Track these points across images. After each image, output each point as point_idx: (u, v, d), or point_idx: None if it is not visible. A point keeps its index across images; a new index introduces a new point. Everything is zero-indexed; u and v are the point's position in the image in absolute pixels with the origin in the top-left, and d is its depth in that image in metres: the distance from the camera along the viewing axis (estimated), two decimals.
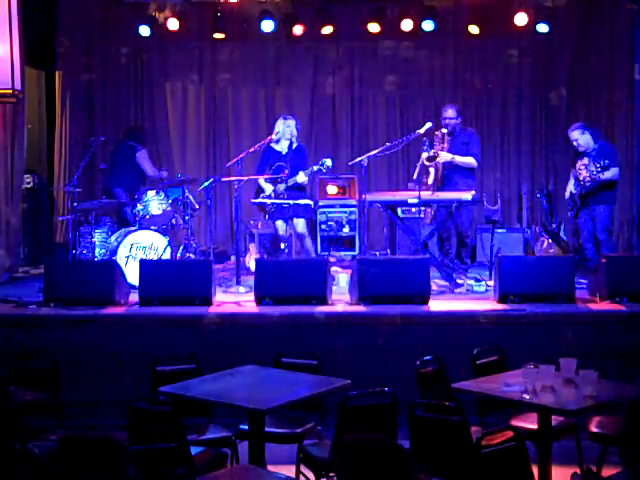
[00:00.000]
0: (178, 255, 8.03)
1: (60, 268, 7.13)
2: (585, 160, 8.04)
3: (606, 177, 7.79)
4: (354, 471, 2.26)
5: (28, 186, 9.83)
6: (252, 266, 7.72)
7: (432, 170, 8.01)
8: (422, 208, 8.36)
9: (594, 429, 4.64)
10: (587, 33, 10.58)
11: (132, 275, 7.24)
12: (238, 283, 7.50)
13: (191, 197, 8.44)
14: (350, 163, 8.65)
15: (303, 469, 4.57)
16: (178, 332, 6.30)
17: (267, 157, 8.28)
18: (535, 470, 3.95)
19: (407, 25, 10.34)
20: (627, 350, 6.06)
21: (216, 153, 11.10)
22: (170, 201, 8.35)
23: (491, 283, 7.22)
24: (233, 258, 8.59)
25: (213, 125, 11.11)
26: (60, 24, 10.51)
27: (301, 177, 8.02)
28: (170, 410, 4.07)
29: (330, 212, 10.05)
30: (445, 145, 8.10)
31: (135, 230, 8.01)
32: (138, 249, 7.85)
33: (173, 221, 8.33)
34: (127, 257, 7.79)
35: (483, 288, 7.29)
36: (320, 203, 10.07)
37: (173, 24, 10.48)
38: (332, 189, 10.19)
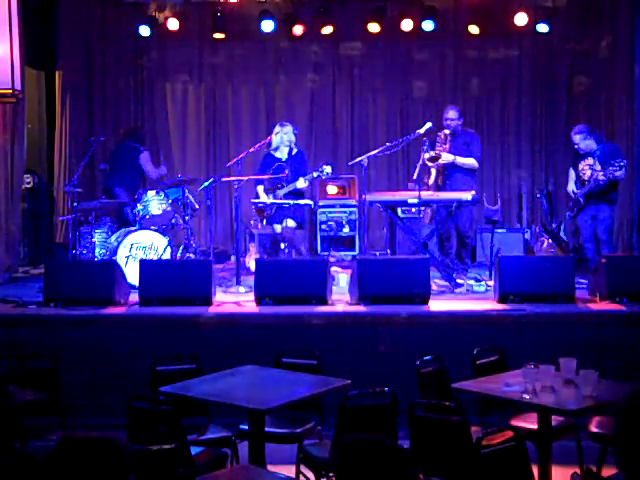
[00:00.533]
0: (178, 255, 8.04)
1: (60, 268, 7.13)
2: (589, 160, 8.02)
3: (618, 175, 7.76)
4: (354, 471, 2.26)
5: (28, 186, 9.83)
6: (252, 266, 7.72)
7: (433, 170, 8.01)
8: (422, 208, 8.37)
9: (594, 429, 4.64)
10: (587, 33, 10.59)
11: (132, 275, 7.24)
12: (238, 283, 7.50)
13: (191, 197, 8.44)
14: (350, 163, 8.65)
15: (303, 469, 4.57)
16: (178, 332, 6.30)
17: (267, 164, 8.25)
18: (535, 470, 3.96)
19: (407, 25, 10.35)
20: (627, 350, 6.06)
21: (216, 153, 11.11)
22: (170, 201, 8.35)
23: (491, 283, 7.22)
24: (233, 258, 8.59)
25: (213, 125, 11.11)
26: (60, 24, 10.51)
27: (301, 183, 7.99)
28: (170, 410, 4.07)
29: (330, 212, 10.05)
30: (447, 146, 8.10)
31: (135, 230, 8.01)
32: (138, 249, 7.85)
33: (173, 221, 8.33)
34: (127, 257, 7.79)
35: (483, 288, 7.29)
36: (320, 203, 10.07)
37: (173, 24, 10.49)
38: (332, 189, 10.19)
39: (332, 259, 8.70)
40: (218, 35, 10.60)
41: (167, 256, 7.79)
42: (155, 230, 7.99)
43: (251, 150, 8.18)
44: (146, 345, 6.15)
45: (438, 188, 7.98)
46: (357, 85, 11.05)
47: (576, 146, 8.14)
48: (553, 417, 4.40)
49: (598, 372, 4.20)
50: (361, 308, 6.51)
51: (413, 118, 10.73)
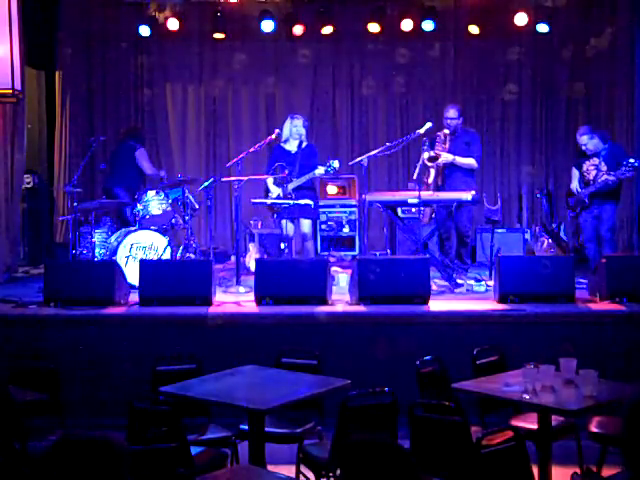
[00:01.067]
0: (178, 255, 8.03)
1: (60, 268, 7.12)
2: (595, 160, 7.99)
3: (629, 176, 7.73)
4: (357, 472, 2.26)
5: (28, 186, 9.83)
6: (252, 266, 7.72)
7: (432, 170, 8.01)
8: (421, 208, 8.36)
9: (594, 429, 4.64)
10: (587, 33, 10.59)
11: (132, 275, 7.24)
12: (238, 283, 7.49)
13: (191, 197, 8.44)
14: (350, 163, 8.65)
15: (303, 469, 4.57)
16: (178, 332, 6.30)
17: (276, 156, 8.20)
18: (535, 470, 3.95)
19: (407, 25, 10.35)
20: (627, 350, 6.06)
21: (216, 153, 11.11)
22: (170, 201, 8.35)
23: (491, 283, 7.22)
24: (233, 258, 8.59)
25: (213, 125, 11.12)
26: (60, 24, 10.53)
27: (320, 170, 7.94)
28: (170, 410, 4.07)
29: (330, 212, 10.05)
30: (447, 145, 8.10)
31: (135, 230, 8.01)
32: (138, 249, 7.85)
33: (173, 221, 8.32)
34: (127, 257, 7.79)
35: (483, 288, 7.29)
36: (320, 203, 10.05)
37: (173, 24, 10.50)
38: (332, 189, 10.19)
39: (332, 259, 8.71)
40: (218, 35, 10.60)
41: (167, 256, 7.79)
42: (155, 230, 7.99)
43: (251, 150, 8.17)
44: (146, 345, 6.15)
45: (437, 188, 7.98)
46: (357, 85, 11.06)
47: (583, 147, 8.09)
48: (553, 417, 4.40)
49: (598, 372, 4.19)
50: (361, 308, 6.50)
51: (413, 118, 10.73)
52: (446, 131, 8.12)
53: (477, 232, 9.60)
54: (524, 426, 4.53)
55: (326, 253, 9.63)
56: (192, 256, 8.12)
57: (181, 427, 4.01)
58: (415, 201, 7.45)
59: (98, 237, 8.49)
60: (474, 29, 10.37)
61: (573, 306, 6.49)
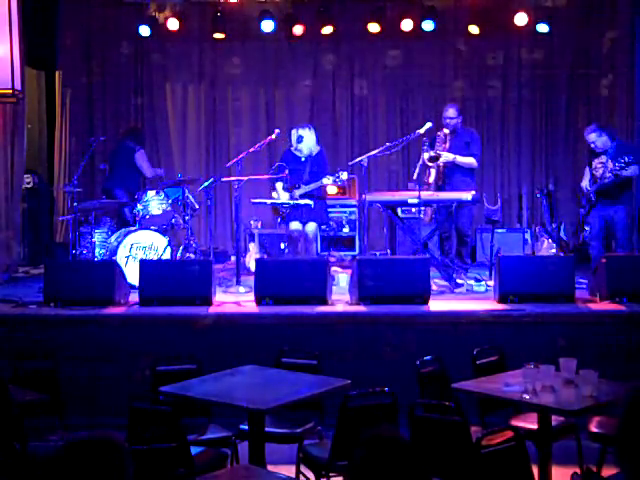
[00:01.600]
0: (178, 255, 8.03)
1: (60, 268, 7.12)
2: (603, 158, 7.93)
3: (627, 174, 7.69)
4: (371, 468, 2.25)
5: (28, 186, 9.83)
6: (252, 266, 7.72)
7: (433, 170, 8.01)
8: (422, 208, 8.36)
9: (594, 429, 4.64)
10: (587, 33, 10.59)
11: (132, 275, 7.24)
12: (238, 283, 7.49)
13: (191, 197, 8.44)
14: (350, 163, 8.64)
15: (303, 469, 4.57)
16: (178, 332, 6.30)
17: (286, 162, 8.15)
18: (535, 470, 3.95)
19: (407, 25, 10.35)
20: (627, 350, 6.06)
21: (216, 153, 11.11)
22: (170, 201, 8.35)
23: (491, 283, 7.22)
24: (233, 258, 8.59)
25: (213, 125, 11.11)
26: (60, 24, 10.52)
27: (327, 180, 7.94)
28: (170, 410, 4.07)
29: (330, 212, 10.02)
30: (447, 145, 8.10)
31: (135, 230, 8.01)
32: (138, 249, 7.85)
33: (173, 221, 8.32)
34: (127, 257, 7.79)
35: (483, 288, 7.29)
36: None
37: (173, 24, 10.49)
38: (332, 189, 10.18)
39: (332, 259, 8.70)
40: (218, 35, 10.60)
41: (167, 256, 7.79)
42: (155, 230, 7.99)
43: (251, 150, 8.16)
44: (146, 345, 6.15)
45: (438, 188, 7.98)
46: (357, 85, 11.05)
47: (592, 145, 8.03)
48: (553, 417, 4.40)
49: (598, 372, 4.20)
50: (361, 308, 6.50)
51: (413, 118, 10.73)
52: (446, 130, 8.12)
53: (477, 232, 9.60)
54: (524, 426, 4.53)
55: (326, 253, 9.63)
56: (192, 256, 8.12)
57: (181, 427, 4.02)
58: (415, 201, 7.46)
59: (98, 237, 8.49)
60: (474, 29, 10.37)
61: (573, 306, 6.49)
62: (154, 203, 8.22)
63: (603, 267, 6.66)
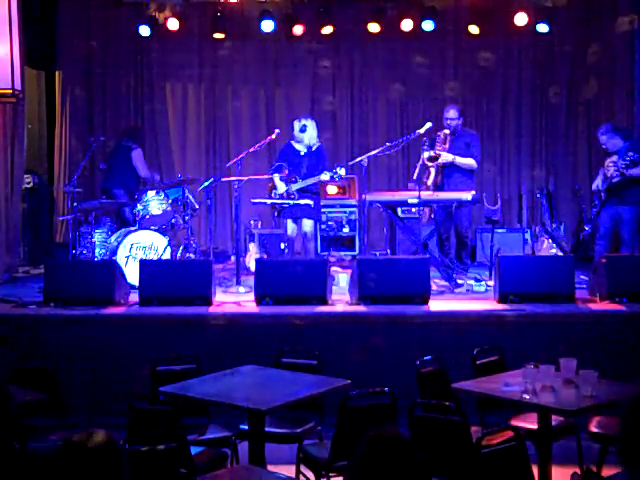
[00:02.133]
0: (178, 255, 8.03)
1: (60, 268, 7.12)
2: (614, 157, 7.91)
3: (632, 173, 7.66)
4: (374, 466, 2.25)
5: (28, 186, 9.83)
6: (252, 266, 7.72)
7: (432, 170, 8.01)
8: (421, 208, 8.36)
9: (594, 429, 4.64)
10: (587, 33, 10.59)
11: (132, 275, 7.24)
12: (238, 283, 7.49)
13: (191, 197, 8.44)
14: (350, 163, 8.65)
15: (303, 469, 4.57)
16: (178, 332, 6.30)
17: (285, 154, 8.18)
18: (535, 470, 3.95)
19: (407, 25, 10.35)
20: (627, 350, 6.06)
21: (216, 153, 11.11)
22: (170, 201, 8.35)
23: (491, 283, 7.22)
24: (233, 258, 8.58)
25: (213, 125, 11.11)
26: (60, 24, 10.52)
27: (325, 176, 7.95)
28: (170, 410, 4.07)
29: (330, 212, 10.03)
30: (447, 145, 8.10)
31: (135, 230, 8.01)
32: (138, 249, 7.85)
33: (173, 221, 8.32)
34: (127, 257, 7.79)
35: (483, 288, 7.29)
36: (320, 203, 10.05)
37: (173, 24, 10.49)
38: (332, 189, 10.18)
39: (332, 259, 8.70)
40: (218, 35, 10.60)
41: (167, 256, 7.79)
42: (155, 230, 7.99)
43: (251, 150, 8.17)
44: (146, 345, 6.15)
45: (437, 188, 7.98)
46: (357, 85, 11.05)
47: (604, 146, 8.03)
48: (553, 417, 4.40)
49: (598, 372, 4.20)
50: (361, 308, 6.50)
51: (413, 118, 10.72)
52: (446, 131, 8.12)
53: (477, 232, 9.59)
54: (524, 426, 4.53)
55: (326, 253, 9.63)
56: (192, 256, 8.12)
57: (181, 427, 4.02)
58: (415, 201, 7.46)
59: (98, 237, 8.49)
60: (474, 29, 10.37)
61: (573, 306, 6.49)
62: (154, 203, 8.22)
63: (603, 267, 6.66)
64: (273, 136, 8.20)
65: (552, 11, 10.35)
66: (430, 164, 7.95)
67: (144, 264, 6.86)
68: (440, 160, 7.95)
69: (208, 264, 6.84)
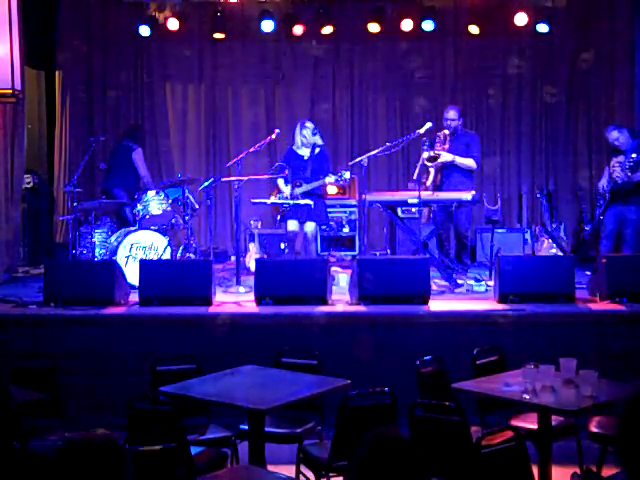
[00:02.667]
0: (178, 255, 8.03)
1: (60, 268, 7.12)
2: (620, 158, 7.90)
3: (633, 175, 7.66)
4: (376, 467, 2.25)
5: (28, 186, 9.82)
6: (252, 266, 7.72)
7: (432, 170, 8.00)
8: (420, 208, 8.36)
9: (594, 429, 4.64)
10: (587, 33, 10.59)
11: (132, 275, 7.23)
12: (238, 283, 7.49)
13: (191, 197, 8.43)
14: (350, 163, 8.64)
15: (303, 469, 4.58)
16: (178, 332, 6.30)
17: (288, 160, 8.17)
18: (535, 470, 3.95)
19: (407, 25, 10.35)
20: (627, 350, 6.06)
21: (216, 153, 11.11)
22: (170, 201, 8.35)
23: (491, 283, 7.22)
24: (233, 258, 8.58)
25: (213, 125, 11.11)
26: (60, 24, 10.52)
27: (330, 179, 7.95)
28: (170, 410, 4.07)
29: (330, 212, 10.02)
30: (447, 146, 8.09)
31: (135, 230, 8.01)
32: (138, 249, 7.85)
33: (173, 221, 8.32)
34: (127, 257, 7.79)
35: (483, 288, 7.29)
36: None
37: (173, 24, 10.50)
38: (332, 189, 10.18)
39: (332, 259, 8.70)
40: (218, 35, 10.60)
41: (167, 256, 7.79)
42: (155, 230, 7.99)
43: (251, 150, 8.17)
44: (146, 345, 6.15)
45: (436, 188, 7.97)
46: (357, 85, 11.05)
47: (615, 142, 7.99)
48: (553, 417, 4.40)
49: (598, 372, 4.20)
50: (361, 308, 6.50)
51: (413, 118, 10.73)
52: (446, 131, 8.11)
53: (477, 232, 9.59)
54: (524, 426, 4.53)
55: (326, 253, 9.63)
56: (192, 256, 8.12)
57: (181, 427, 4.02)
58: (415, 201, 7.46)
59: (98, 237, 8.48)
60: (474, 29, 10.37)
61: (573, 306, 6.50)
62: (154, 203, 8.22)
63: (603, 267, 6.66)
64: (273, 136, 8.20)
65: (552, 11, 10.36)
66: (430, 164, 7.95)
67: (144, 264, 6.86)
68: (440, 160, 7.95)
69: (208, 264, 6.85)
